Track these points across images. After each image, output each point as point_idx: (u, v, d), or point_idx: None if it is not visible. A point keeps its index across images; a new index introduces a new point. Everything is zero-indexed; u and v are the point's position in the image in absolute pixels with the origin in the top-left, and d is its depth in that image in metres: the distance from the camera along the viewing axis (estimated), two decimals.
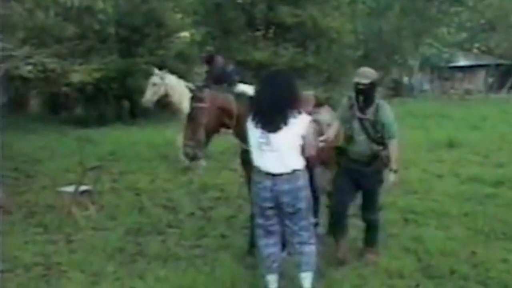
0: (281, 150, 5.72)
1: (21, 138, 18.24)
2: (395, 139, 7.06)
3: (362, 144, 7.14)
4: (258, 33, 30.35)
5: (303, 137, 5.78)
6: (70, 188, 9.64)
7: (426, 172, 12.89)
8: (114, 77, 24.44)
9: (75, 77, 19.33)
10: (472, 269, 6.95)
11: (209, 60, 15.03)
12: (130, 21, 25.27)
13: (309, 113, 7.30)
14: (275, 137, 5.69)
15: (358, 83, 7.04)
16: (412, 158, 14.40)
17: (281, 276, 6.20)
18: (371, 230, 7.60)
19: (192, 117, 6.35)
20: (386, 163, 7.13)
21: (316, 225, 8.10)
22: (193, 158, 6.39)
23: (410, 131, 19.54)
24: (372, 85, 7.05)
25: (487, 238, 8.16)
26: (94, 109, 27.69)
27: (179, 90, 13.11)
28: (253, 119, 5.82)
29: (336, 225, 7.53)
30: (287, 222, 5.93)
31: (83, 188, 9.66)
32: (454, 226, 8.68)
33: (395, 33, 44.26)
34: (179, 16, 29.39)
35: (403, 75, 53.71)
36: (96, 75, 20.84)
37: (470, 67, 57.24)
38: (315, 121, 7.33)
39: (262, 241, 6.10)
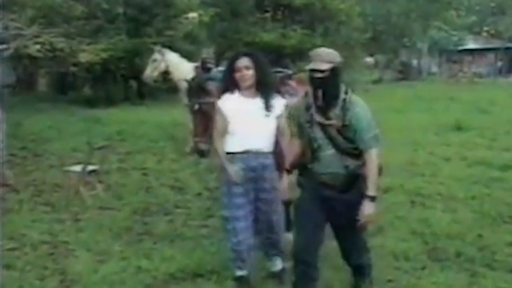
0: None
1: (29, 117, 18.27)
2: (375, 150, 5.18)
3: (331, 161, 5.19)
4: (266, 15, 30.37)
5: None
6: (78, 168, 9.67)
7: (433, 155, 12.86)
8: (122, 57, 24.44)
9: (83, 57, 19.39)
10: (478, 252, 6.93)
11: None
12: (138, 1, 25.22)
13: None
14: None
15: (314, 70, 5.09)
16: (420, 140, 14.41)
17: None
18: (359, 276, 5.89)
19: (203, 112, 6.24)
20: None
21: None
22: (205, 154, 6.32)
23: (417, 114, 19.58)
24: (335, 73, 5.11)
25: (493, 222, 8.13)
26: (101, 89, 27.72)
27: (179, 68, 13.15)
28: None
29: (302, 280, 5.51)
30: None
31: (90, 167, 9.67)
32: (461, 209, 8.65)
33: (403, 15, 44.21)
34: None
35: (411, 58, 53.60)
36: (104, 55, 20.91)
37: (479, 50, 57.10)
38: None
39: None
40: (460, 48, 54.95)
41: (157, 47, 13.66)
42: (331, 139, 5.15)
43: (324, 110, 5.14)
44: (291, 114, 5.66)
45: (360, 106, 5.15)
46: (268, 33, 28.01)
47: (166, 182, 10.69)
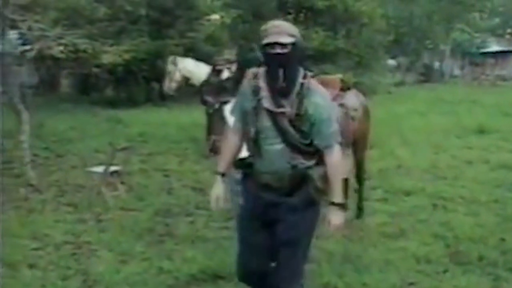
0: None
1: (51, 118, 18.36)
2: (337, 147, 4.40)
3: (276, 158, 4.34)
4: (289, 17, 30.31)
5: None
6: (100, 168, 9.71)
7: (455, 158, 12.81)
8: (144, 58, 24.56)
9: (106, 58, 19.49)
10: (500, 256, 6.88)
11: None
12: (161, 3, 25.33)
13: (335, 97, 7.28)
14: None
15: (272, 45, 4.22)
16: (442, 143, 14.36)
17: None
18: None
19: (223, 111, 6.23)
20: (321, 189, 4.38)
21: None
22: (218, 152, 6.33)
23: (440, 117, 19.50)
24: (296, 49, 4.27)
25: None
26: (124, 91, 27.85)
27: (197, 72, 13.15)
28: None
29: None
30: None
31: (112, 168, 9.71)
32: (483, 213, 8.61)
33: (426, 17, 44.06)
34: None
35: (434, 61, 53.35)
36: (127, 56, 20.97)
37: (502, 52, 56.71)
38: (340, 105, 7.30)
39: None
40: (483, 50, 54.70)
41: (170, 58, 13.69)
42: (281, 131, 4.29)
43: (278, 95, 4.29)
44: (234, 105, 4.74)
45: (320, 95, 4.36)
46: None
47: (188, 183, 10.72)
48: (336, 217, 4.39)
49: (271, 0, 28.73)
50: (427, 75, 48.60)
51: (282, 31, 4.22)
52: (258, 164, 4.44)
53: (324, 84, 7.11)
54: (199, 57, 13.97)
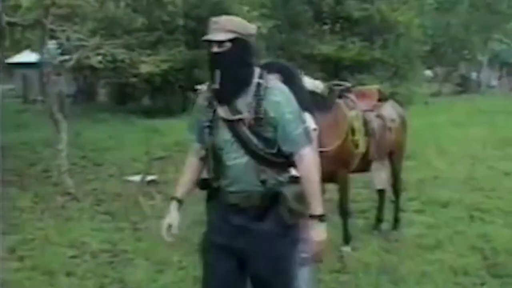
0: None
1: (89, 127, 18.54)
2: (309, 149, 3.72)
3: (243, 174, 3.71)
4: (325, 27, 30.34)
5: None
6: (137, 177, 9.80)
7: (493, 169, 12.68)
8: (181, 68, 24.67)
9: (143, 68, 19.61)
10: None
11: None
12: (197, 12, 25.45)
13: (373, 107, 7.28)
14: None
15: (209, 43, 3.67)
16: (479, 155, 14.22)
17: None
18: None
19: None
20: (296, 210, 3.68)
21: (380, 221, 8.14)
22: None
23: (477, 128, 19.31)
24: (239, 46, 3.68)
25: None
26: (161, 100, 28.01)
27: None
28: None
29: None
30: None
31: (149, 177, 9.79)
32: None
33: (463, 28, 43.75)
34: (246, 8, 29.53)
35: (471, 71, 52.94)
36: (164, 66, 21.10)
37: None
38: (378, 116, 7.28)
39: None
40: None
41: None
42: (242, 141, 3.66)
43: (228, 99, 3.67)
44: (190, 120, 4.11)
45: (281, 93, 3.70)
46: (327, 45, 27.96)
47: None
48: (317, 233, 3.70)
49: (308, 10, 28.75)
50: (464, 86, 48.27)
51: (219, 28, 3.65)
52: (223, 184, 3.81)
53: (362, 94, 7.15)
54: None
